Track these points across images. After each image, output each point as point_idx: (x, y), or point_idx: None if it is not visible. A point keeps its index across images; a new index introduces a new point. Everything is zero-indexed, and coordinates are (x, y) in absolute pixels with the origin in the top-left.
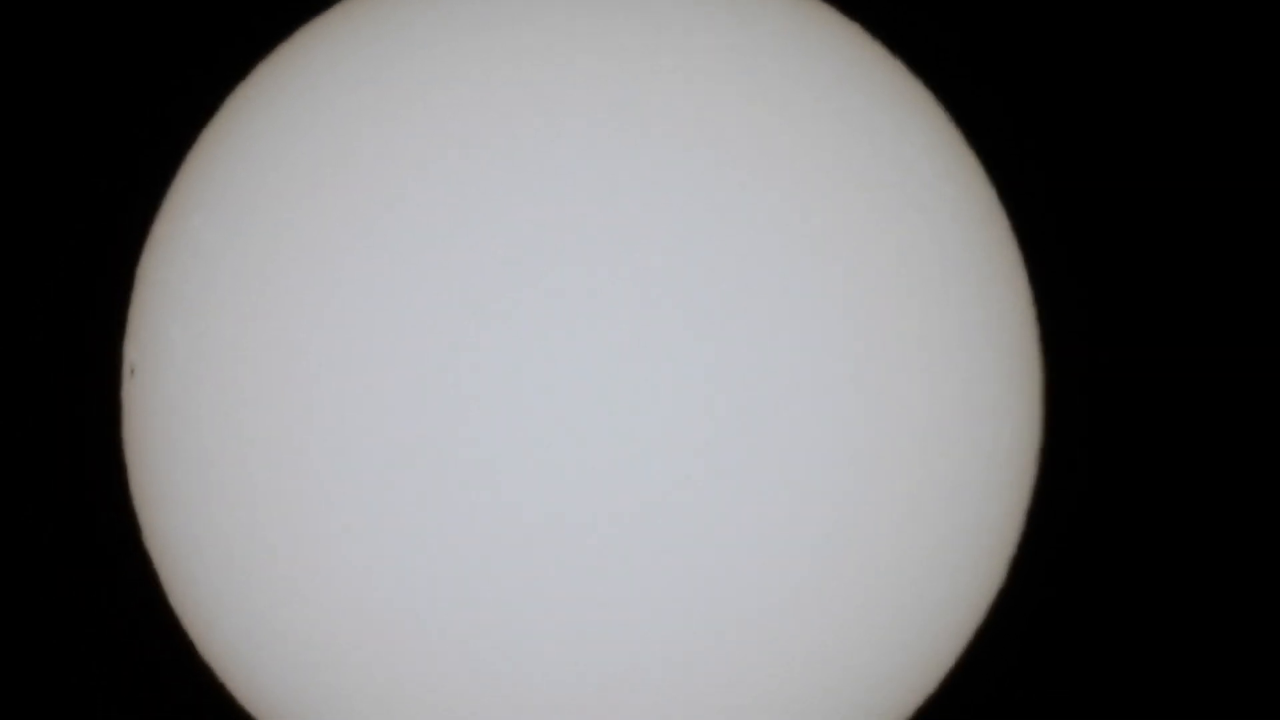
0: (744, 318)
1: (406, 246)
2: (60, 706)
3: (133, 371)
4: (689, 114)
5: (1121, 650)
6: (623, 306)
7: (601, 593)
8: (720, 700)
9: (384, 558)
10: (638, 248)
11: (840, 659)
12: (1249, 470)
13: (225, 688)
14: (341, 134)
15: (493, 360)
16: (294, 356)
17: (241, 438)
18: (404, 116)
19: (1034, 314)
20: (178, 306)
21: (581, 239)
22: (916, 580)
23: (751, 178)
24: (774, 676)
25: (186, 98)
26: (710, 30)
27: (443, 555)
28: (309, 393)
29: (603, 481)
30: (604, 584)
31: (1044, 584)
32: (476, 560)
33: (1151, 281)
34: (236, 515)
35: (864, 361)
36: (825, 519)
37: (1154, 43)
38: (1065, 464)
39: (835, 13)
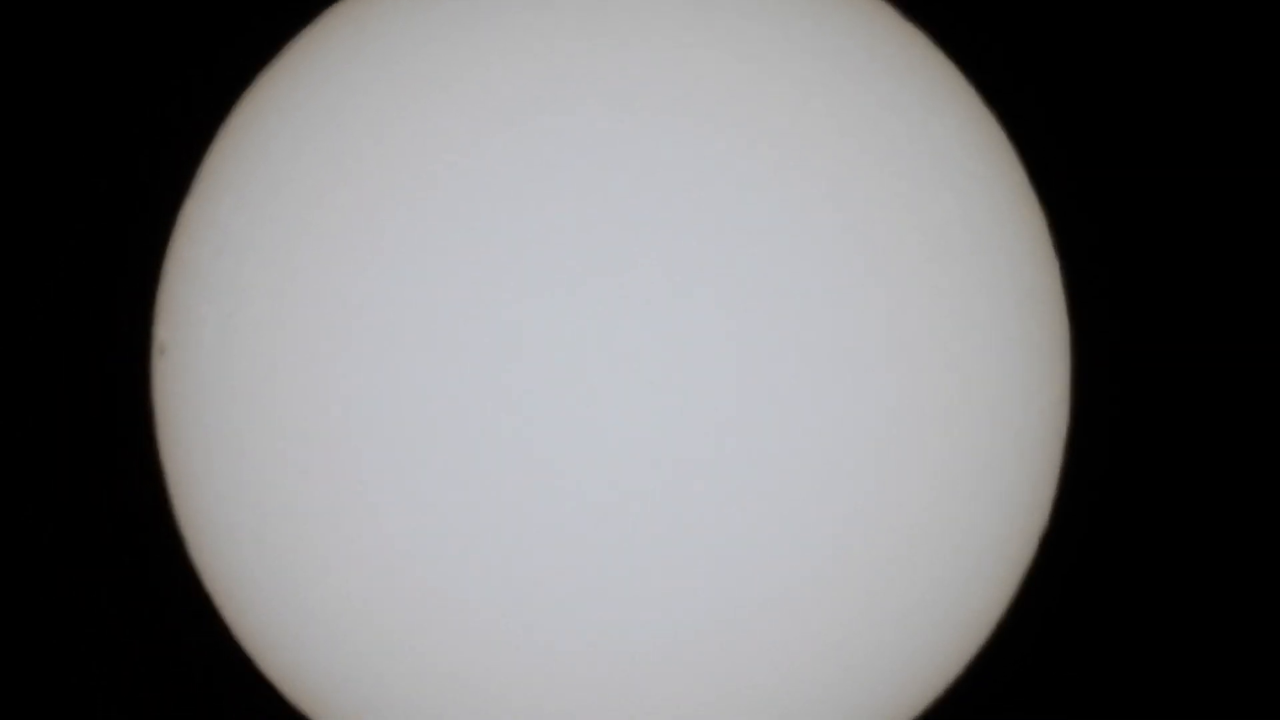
0: (774, 299)
1: (436, 227)
2: (94, 689)
3: (163, 350)
4: (714, 94)
5: (1145, 641)
6: (654, 286)
7: (631, 573)
8: (747, 680)
9: (415, 537)
10: (670, 229)
11: (865, 641)
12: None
13: (258, 668)
14: (371, 115)
15: (525, 340)
16: (324, 334)
17: (272, 415)
18: (435, 99)
19: (1064, 296)
20: (208, 285)
21: (613, 218)
22: (943, 562)
23: (782, 158)
24: (799, 658)
25: (216, 80)
26: (735, 10)
27: (475, 534)
28: (339, 371)
29: (632, 460)
30: (634, 564)
31: (1071, 570)
32: (508, 540)
33: (1183, 267)
34: (267, 493)
35: (894, 342)
36: (852, 500)
37: (1189, 27)
38: (1094, 447)
39: None
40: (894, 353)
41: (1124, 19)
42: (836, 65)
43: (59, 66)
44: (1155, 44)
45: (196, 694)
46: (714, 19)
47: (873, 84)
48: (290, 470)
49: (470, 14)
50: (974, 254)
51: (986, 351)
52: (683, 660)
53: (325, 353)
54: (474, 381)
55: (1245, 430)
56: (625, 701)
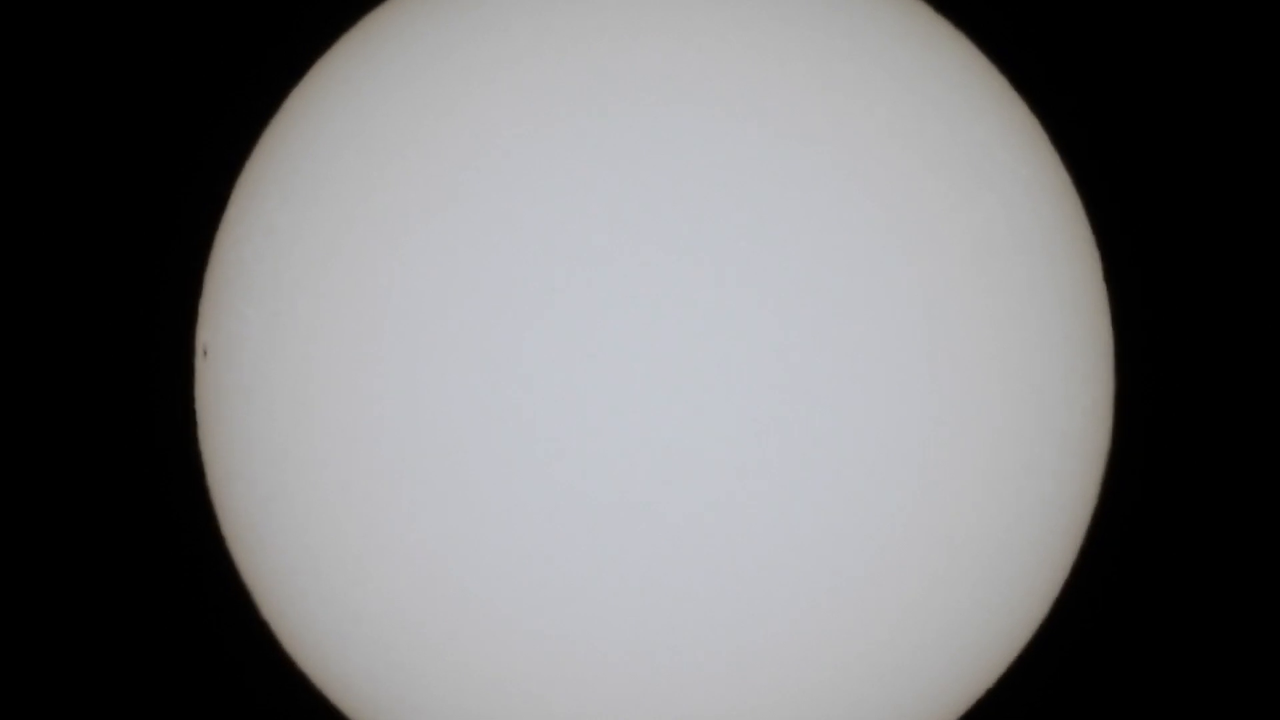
0: (816, 299)
1: (482, 225)
2: (134, 685)
3: (205, 353)
4: (752, 93)
5: (1189, 641)
6: (699, 281)
7: (675, 574)
8: (791, 682)
9: (457, 538)
10: (713, 224)
11: (907, 643)
12: None
13: (299, 669)
14: (417, 114)
15: (569, 338)
16: (367, 335)
17: (314, 418)
18: (480, 96)
19: (1107, 294)
20: (251, 287)
21: (656, 213)
22: (986, 562)
23: (823, 159)
24: (843, 659)
25: (260, 79)
26: (773, 9)
27: (517, 535)
28: (382, 371)
29: (674, 457)
30: (678, 565)
31: (1114, 570)
32: (550, 539)
33: (1228, 266)
34: (309, 495)
35: (937, 338)
36: (894, 500)
37: (1235, 23)
38: (1137, 447)
39: None
40: (936, 352)
41: (1166, 14)
42: (878, 64)
43: (103, 63)
44: (1200, 38)
45: (235, 693)
46: (752, 18)
47: (913, 83)
48: (332, 471)
49: (522, 9)
50: (1017, 253)
51: (1030, 350)
52: (726, 663)
53: (368, 353)
54: (521, 381)
55: None
56: (667, 704)
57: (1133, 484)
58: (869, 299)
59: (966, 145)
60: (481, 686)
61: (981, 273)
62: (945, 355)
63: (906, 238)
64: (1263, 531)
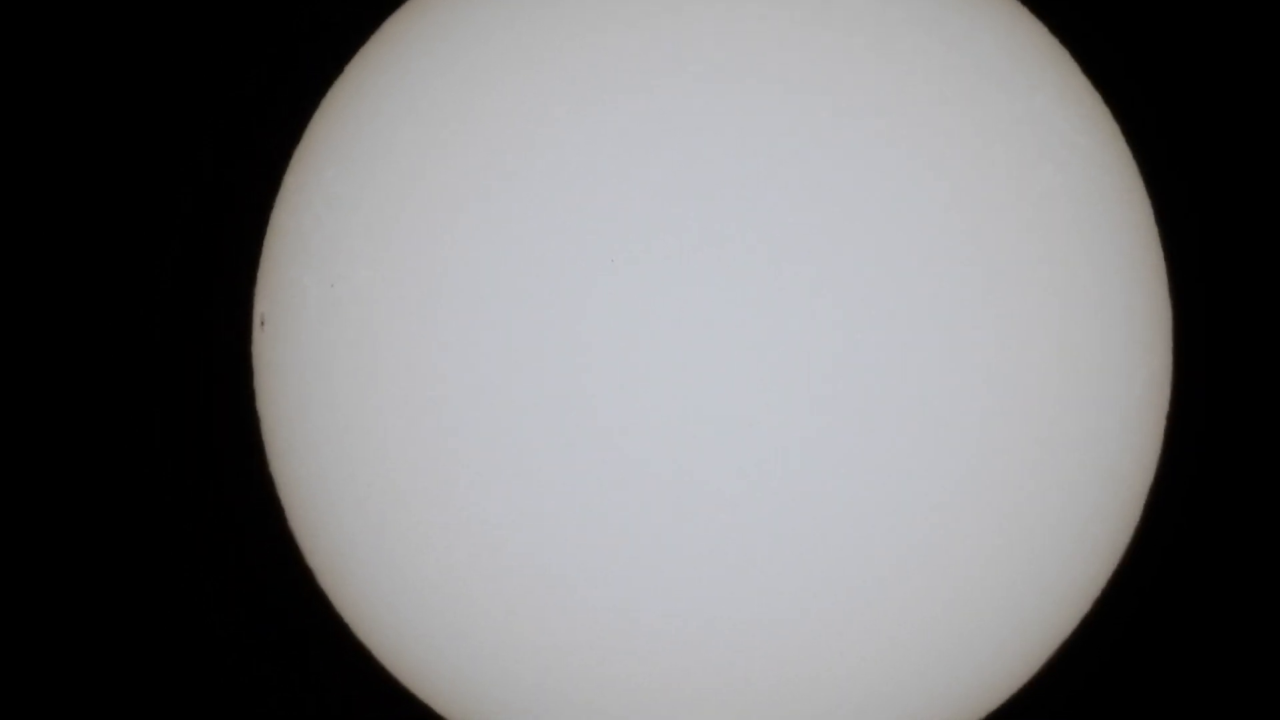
0: (875, 271)
1: (539, 196)
2: (196, 661)
3: (263, 322)
4: (809, 67)
5: (1243, 615)
6: (761, 251)
7: (736, 539)
8: (853, 655)
9: (518, 507)
10: (776, 200)
11: (967, 614)
12: None
13: (356, 637)
14: (477, 83)
15: (631, 308)
16: (426, 304)
17: (373, 387)
18: (544, 66)
19: (1166, 270)
20: (309, 257)
21: (718, 185)
22: (1044, 535)
23: (886, 130)
24: (903, 631)
25: (319, 48)
26: None
27: (576, 505)
28: (441, 340)
29: (736, 425)
30: (738, 530)
31: (1171, 544)
32: (609, 510)
33: None
34: (369, 464)
35: (998, 308)
36: (954, 472)
37: None
38: (1195, 420)
39: None
40: (997, 321)
41: None
42: (938, 38)
43: (160, 35)
44: (1264, 6)
45: (293, 661)
46: None
47: (974, 54)
48: (391, 441)
49: None
50: (1076, 225)
51: (1090, 320)
52: (789, 633)
53: (426, 322)
54: (582, 351)
55: None
56: (724, 675)
57: (1190, 456)
58: (927, 272)
59: (1026, 115)
60: (541, 659)
61: (1042, 244)
62: (1006, 325)
63: (968, 208)
64: None
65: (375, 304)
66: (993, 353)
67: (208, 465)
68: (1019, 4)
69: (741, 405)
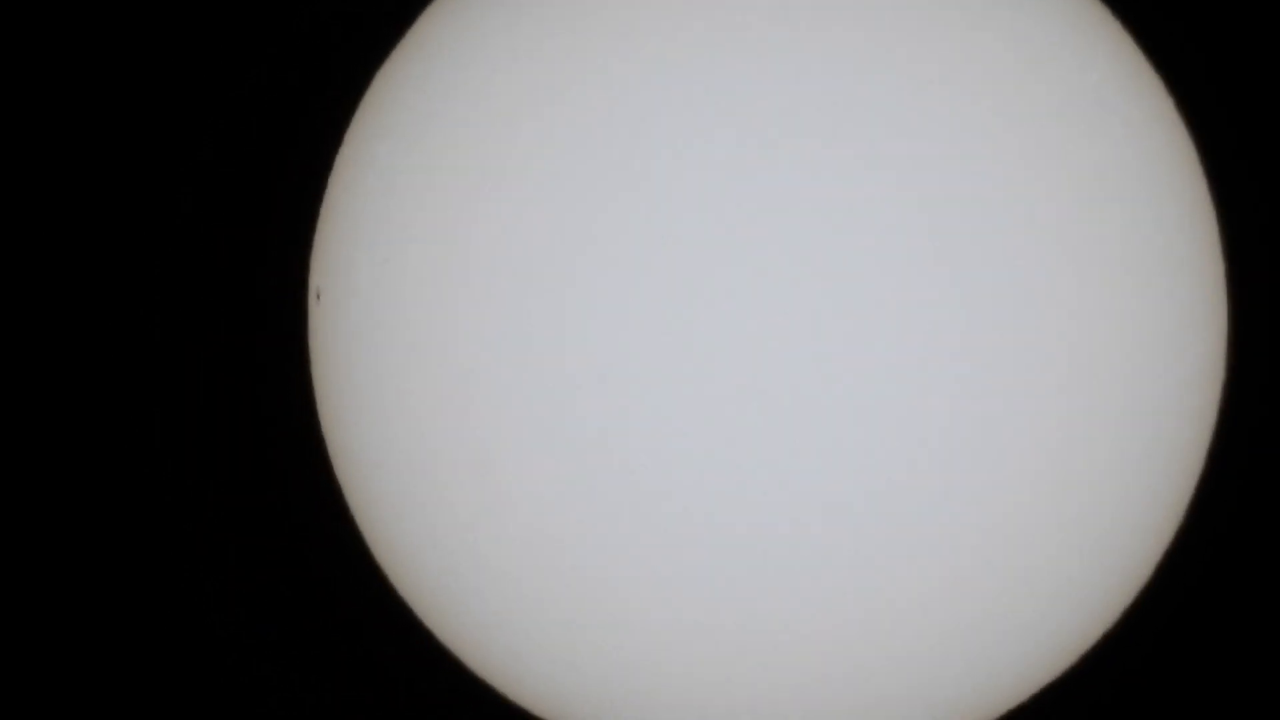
0: (925, 254)
1: (600, 174)
2: (249, 631)
3: (319, 297)
4: (865, 38)
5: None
6: (819, 223)
7: (810, 518)
8: (919, 648)
9: (570, 483)
10: (835, 172)
11: (1025, 596)
12: None
13: (412, 611)
14: (530, 57)
15: (688, 284)
16: (480, 279)
17: (427, 362)
18: (598, 39)
19: (1220, 242)
20: (363, 231)
21: (781, 159)
22: (1095, 521)
23: (938, 103)
24: (963, 619)
25: (375, 23)
26: None
27: (627, 481)
28: (496, 315)
29: (809, 406)
30: (812, 509)
31: (1220, 533)
32: (660, 486)
33: None
34: (423, 440)
35: (1057, 287)
36: (1027, 442)
37: None
38: (1248, 396)
39: None
40: (1058, 299)
41: None
42: (991, 13)
43: (213, 13)
44: None
45: (348, 636)
46: None
47: (1030, 32)
48: (446, 416)
49: None
50: (1129, 202)
51: (1145, 295)
52: (861, 617)
53: (481, 297)
54: (638, 328)
55: None
56: (796, 674)
57: (1243, 434)
58: (997, 250)
59: (1079, 91)
60: (595, 634)
61: (1097, 219)
62: (1065, 302)
63: (1028, 185)
64: None
65: (428, 279)
66: (1056, 327)
67: (263, 437)
68: None
69: (820, 384)
